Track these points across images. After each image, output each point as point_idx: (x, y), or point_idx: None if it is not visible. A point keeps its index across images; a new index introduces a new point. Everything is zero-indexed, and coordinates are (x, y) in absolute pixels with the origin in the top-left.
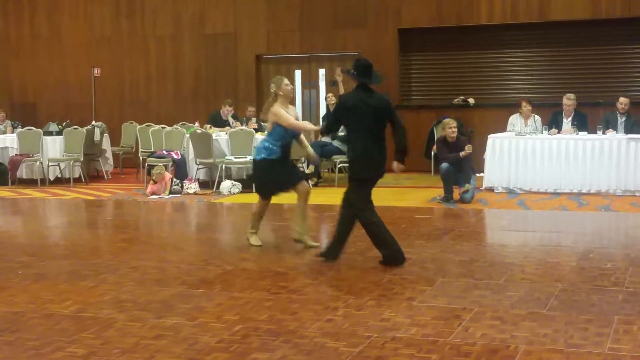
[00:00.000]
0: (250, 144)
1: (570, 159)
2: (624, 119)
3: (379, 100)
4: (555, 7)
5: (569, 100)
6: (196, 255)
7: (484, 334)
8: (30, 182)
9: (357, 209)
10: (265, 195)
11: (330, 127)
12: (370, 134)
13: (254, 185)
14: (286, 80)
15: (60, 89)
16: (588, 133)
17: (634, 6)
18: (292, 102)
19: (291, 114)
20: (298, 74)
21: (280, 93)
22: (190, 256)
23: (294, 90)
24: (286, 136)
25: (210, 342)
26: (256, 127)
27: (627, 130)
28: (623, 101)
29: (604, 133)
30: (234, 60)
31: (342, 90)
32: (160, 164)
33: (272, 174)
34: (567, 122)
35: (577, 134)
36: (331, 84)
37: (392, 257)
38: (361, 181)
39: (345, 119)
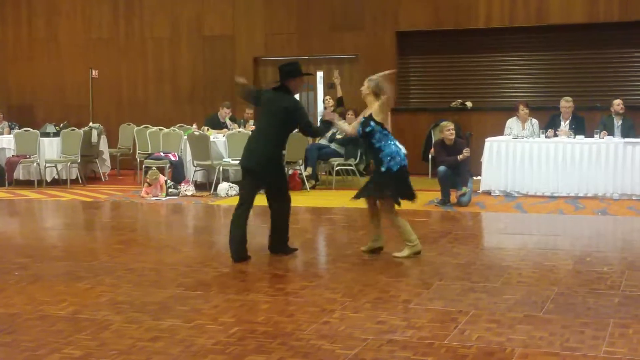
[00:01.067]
0: None
1: (568, 163)
2: (620, 122)
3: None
4: (553, 10)
5: (567, 103)
6: (193, 257)
7: (480, 336)
8: (27, 184)
9: None
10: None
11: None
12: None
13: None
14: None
15: (58, 90)
16: (585, 137)
17: (631, 10)
18: None
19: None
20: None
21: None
22: (187, 258)
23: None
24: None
25: (207, 344)
26: (254, 129)
27: (624, 134)
28: (618, 102)
29: (601, 137)
30: (232, 63)
31: (339, 93)
32: (154, 168)
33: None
34: (564, 125)
35: (575, 137)
36: (329, 86)
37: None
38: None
39: None
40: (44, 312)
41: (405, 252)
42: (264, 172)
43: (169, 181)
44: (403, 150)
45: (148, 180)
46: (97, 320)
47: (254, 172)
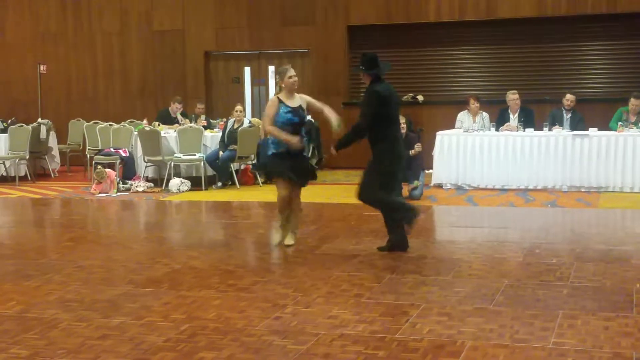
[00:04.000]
0: (200, 141)
1: (517, 156)
2: (569, 115)
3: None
4: (502, 5)
5: (513, 95)
6: (144, 253)
7: (431, 329)
8: None
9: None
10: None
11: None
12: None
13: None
14: (291, 72)
15: (5, 85)
16: (534, 129)
17: (579, 5)
18: (242, 99)
19: (297, 104)
20: (247, 70)
21: (283, 85)
22: (137, 255)
23: (294, 81)
24: (283, 127)
25: (157, 341)
26: (205, 124)
27: (573, 127)
28: (569, 97)
29: (550, 130)
30: (182, 57)
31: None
32: (100, 167)
33: (281, 165)
34: (513, 118)
35: (524, 130)
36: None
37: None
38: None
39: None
40: None
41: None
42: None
43: (118, 178)
44: None
45: (96, 178)
46: (46, 319)
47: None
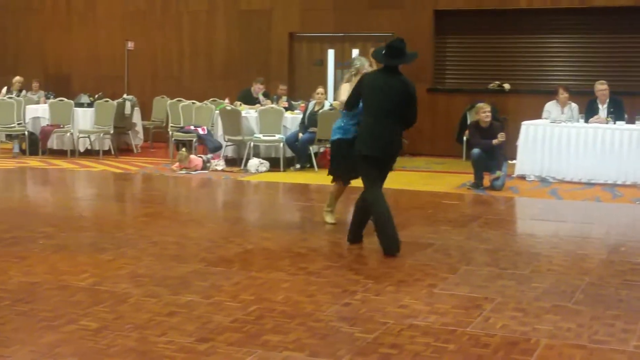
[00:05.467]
0: (280, 122)
1: (606, 149)
2: None
3: (403, 84)
4: None
5: (601, 86)
6: (218, 232)
7: (505, 325)
8: (60, 153)
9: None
10: (338, 178)
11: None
12: (382, 113)
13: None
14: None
15: (93, 61)
16: (626, 122)
17: None
18: (324, 82)
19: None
20: (331, 53)
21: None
22: (211, 233)
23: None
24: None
25: (224, 321)
26: (287, 105)
27: None
28: None
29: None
30: (267, 38)
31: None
32: (184, 149)
33: (347, 155)
34: (602, 109)
35: (614, 123)
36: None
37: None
38: (363, 158)
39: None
40: (65, 282)
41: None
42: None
43: (204, 157)
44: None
45: (178, 159)
46: (116, 292)
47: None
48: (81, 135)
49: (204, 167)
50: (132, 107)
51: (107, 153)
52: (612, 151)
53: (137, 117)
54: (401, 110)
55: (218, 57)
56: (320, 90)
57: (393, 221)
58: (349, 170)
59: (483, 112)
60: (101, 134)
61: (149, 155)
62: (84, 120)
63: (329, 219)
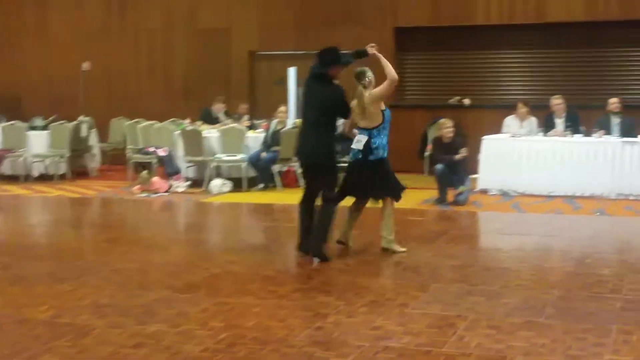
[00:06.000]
0: (242, 142)
1: (565, 162)
2: (618, 120)
3: (327, 92)
4: (552, 8)
5: (556, 101)
6: (182, 257)
7: (479, 343)
8: (13, 179)
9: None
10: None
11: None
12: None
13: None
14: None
15: (47, 82)
16: (583, 135)
17: (631, 8)
18: (285, 100)
19: None
20: (292, 71)
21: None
22: (176, 258)
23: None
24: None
25: (194, 351)
26: (248, 124)
27: (624, 133)
28: (613, 100)
29: (598, 136)
30: (227, 56)
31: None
32: (145, 172)
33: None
34: (559, 123)
35: (572, 136)
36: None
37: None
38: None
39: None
40: (23, 315)
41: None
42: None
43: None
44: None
45: (139, 182)
46: (78, 325)
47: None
48: (35, 159)
49: (168, 190)
50: (89, 129)
51: (62, 177)
52: (571, 164)
53: (93, 140)
54: (327, 118)
55: (177, 76)
56: (282, 108)
57: (310, 232)
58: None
59: (446, 128)
60: (56, 158)
61: (107, 178)
62: (38, 143)
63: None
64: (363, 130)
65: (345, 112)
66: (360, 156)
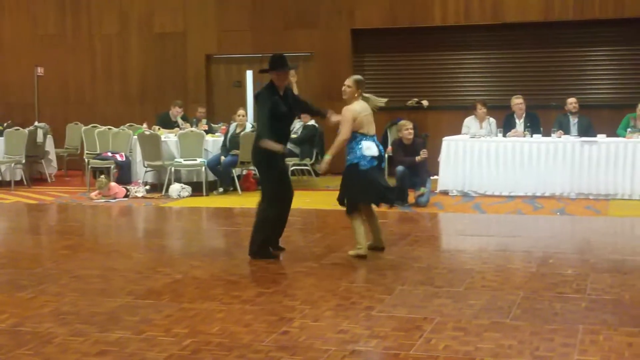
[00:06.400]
0: (201, 146)
1: (525, 162)
2: (576, 120)
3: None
4: (508, 9)
5: (517, 100)
6: (144, 262)
7: (447, 346)
8: None
9: None
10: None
11: None
12: None
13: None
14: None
15: (1, 88)
16: (542, 135)
17: (586, 9)
18: (244, 103)
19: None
20: (250, 74)
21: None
22: (137, 264)
23: (345, 90)
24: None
25: (158, 357)
26: (206, 128)
27: (581, 133)
28: (572, 101)
29: (557, 136)
30: (183, 60)
31: (295, 91)
32: (103, 176)
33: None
34: (519, 124)
35: (531, 136)
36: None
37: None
38: None
39: None
40: None
41: (351, 252)
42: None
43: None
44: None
45: (97, 187)
46: (40, 333)
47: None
48: None
49: (126, 195)
50: (45, 134)
51: (19, 183)
52: (531, 164)
53: (50, 145)
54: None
55: (133, 81)
56: (241, 112)
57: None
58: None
59: (405, 130)
60: (12, 164)
61: (64, 184)
62: None
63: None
64: (371, 137)
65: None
66: (375, 163)
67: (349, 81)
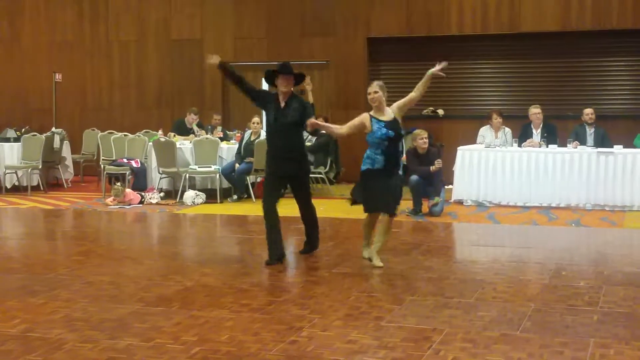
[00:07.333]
0: (215, 153)
1: (540, 172)
2: (592, 130)
3: None
4: (525, 18)
5: (535, 110)
6: (155, 269)
7: (455, 357)
8: None
9: None
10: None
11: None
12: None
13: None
14: (369, 88)
15: (20, 94)
16: (558, 145)
17: (604, 19)
18: (259, 111)
19: (390, 117)
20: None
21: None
22: (149, 271)
23: (373, 97)
24: (381, 143)
25: None
26: (222, 135)
27: (597, 144)
28: (588, 111)
29: (573, 146)
30: (200, 67)
31: (310, 99)
32: (119, 183)
33: (373, 185)
34: (536, 134)
35: (547, 146)
36: (299, 93)
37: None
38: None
39: None
40: None
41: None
42: None
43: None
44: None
45: (112, 194)
46: (50, 339)
47: None
48: (8, 171)
49: (141, 202)
50: (61, 140)
51: (35, 189)
52: (546, 174)
53: (66, 151)
54: None
55: (149, 87)
56: (256, 119)
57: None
58: (369, 199)
59: (420, 139)
60: (29, 169)
61: (80, 190)
62: (11, 155)
63: (365, 254)
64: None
65: None
66: (377, 166)
67: (375, 87)
